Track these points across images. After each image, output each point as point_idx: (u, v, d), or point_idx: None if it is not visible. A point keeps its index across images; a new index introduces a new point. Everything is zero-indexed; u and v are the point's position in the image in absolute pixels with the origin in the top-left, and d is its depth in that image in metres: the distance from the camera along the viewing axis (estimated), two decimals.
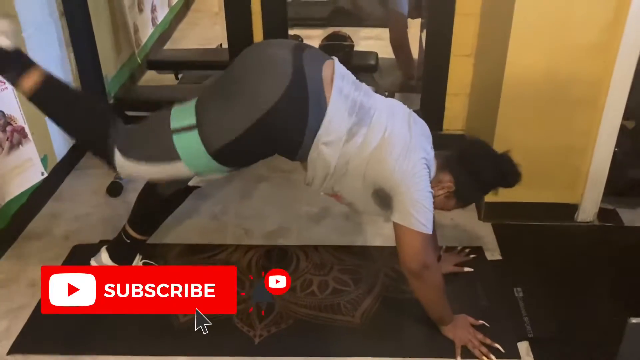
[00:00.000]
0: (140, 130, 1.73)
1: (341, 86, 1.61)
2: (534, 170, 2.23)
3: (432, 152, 1.72)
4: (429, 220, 1.62)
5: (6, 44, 1.60)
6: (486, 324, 1.81)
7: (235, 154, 1.62)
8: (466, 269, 2.06)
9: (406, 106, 1.77)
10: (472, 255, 2.11)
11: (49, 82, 1.67)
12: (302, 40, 3.13)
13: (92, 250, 2.06)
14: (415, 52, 3.33)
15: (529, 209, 2.32)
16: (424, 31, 2.76)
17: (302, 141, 1.60)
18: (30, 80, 1.63)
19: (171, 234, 2.26)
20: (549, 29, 2.00)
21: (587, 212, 2.33)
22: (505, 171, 1.73)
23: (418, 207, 1.60)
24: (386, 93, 3.26)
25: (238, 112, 1.56)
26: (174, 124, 1.61)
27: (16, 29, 1.58)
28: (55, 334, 1.85)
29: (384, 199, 1.66)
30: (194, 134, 1.59)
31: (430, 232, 1.62)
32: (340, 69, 1.66)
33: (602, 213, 2.36)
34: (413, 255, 1.64)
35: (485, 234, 2.29)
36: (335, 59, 1.69)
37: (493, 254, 2.19)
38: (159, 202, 1.90)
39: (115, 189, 2.53)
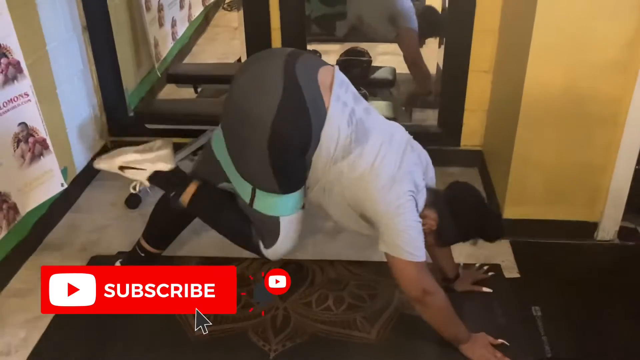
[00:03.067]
0: (254, 224, 1.81)
1: (339, 93, 1.62)
2: (553, 188, 2.24)
3: (422, 184, 1.70)
4: (417, 248, 1.61)
5: (167, 167, 1.82)
6: (506, 343, 1.78)
7: (289, 176, 1.66)
8: (485, 289, 2.03)
9: (406, 132, 1.77)
10: (490, 273, 2.09)
11: (203, 191, 1.83)
12: (320, 56, 3.14)
13: (109, 261, 2.08)
14: (432, 68, 3.33)
15: (548, 226, 2.29)
16: (442, 47, 2.77)
17: (310, 144, 1.60)
18: (189, 194, 1.80)
19: (187, 247, 2.27)
20: (568, 46, 1.99)
21: (607, 230, 2.30)
22: (487, 227, 1.76)
23: (403, 237, 1.60)
24: (403, 108, 3.27)
25: (254, 149, 1.59)
26: (246, 199, 1.72)
27: (172, 152, 1.86)
28: (72, 345, 1.86)
29: (370, 223, 1.67)
30: (259, 193, 1.67)
31: (422, 259, 1.61)
32: (340, 76, 1.66)
33: (622, 231, 2.32)
34: (410, 283, 1.65)
35: (503, 252, 2.26)
36: (336, 67, 1.69)
37: (511, 271, 2.17)
38: (173, 216, 1.91)
39: (133, 201, 2.55)
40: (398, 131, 1.73)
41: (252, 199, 1.70)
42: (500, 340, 1.78)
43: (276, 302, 2.01)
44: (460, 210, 1.72)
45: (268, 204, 1.70)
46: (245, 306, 1.99)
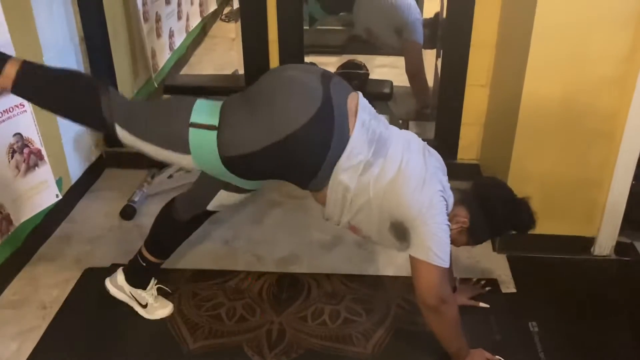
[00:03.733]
0: (151, 108, 1.72)
1: (364, 118, 1.61)
2: (549, 202, 2.23)
3: (447, 185, 1.70)
4: (446, 254, 1.59)
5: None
6: None
7: (246, 165, 1.59)
8: (482, 305, 2.02)
9: (420, 138, 1.77)
10: (487, 288, 2.08)
11: (28, 68, 1.61)
12: None
13: (103, 273, 2.06)
14: (430, 81, 3.34)
15: (545, 241, 2.28)
16: (439, 60, 2.77)
17: (319, 170, 1.58)
18: (11, 70, 1.58)
19: (183, 259, 2.26)
20: (565, 61, 2.00)
21: (604, 245, 2.30)
22: (521, 219, 1.73)
23: (436, 240, 1.58)
24: (400, 121, 3.27)
25: (261, 128, 1.53)
26: (195, 118, 1.57)
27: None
28: (64, 357, 1.84)
29: (400, 232, 1.64)
30: (212, 134, 1.56)
31: (447, 265, 1.60)
32: (363, 102, 1.66)
33: (619, 247, 2.32)
34: (430, 289, 1.61)
35: (499, 266, 2.26)
36: (360, 94, 1.68)
37: (508, 286, 2.16)
38: (176, 226, 1.89)
39: (128, 213, 2.54)
40: (413, 138, 1.74)
41: (198, 126, 1.55)
42: (497, 358, 1.77)
43: (272, 317, 1.99)
44: (491, 205, 1.70)
45: (201, 144, 1.56)
46: (240, 319, 1.98)
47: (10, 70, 1.58)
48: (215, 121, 1.57)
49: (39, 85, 1.64)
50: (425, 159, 1.66)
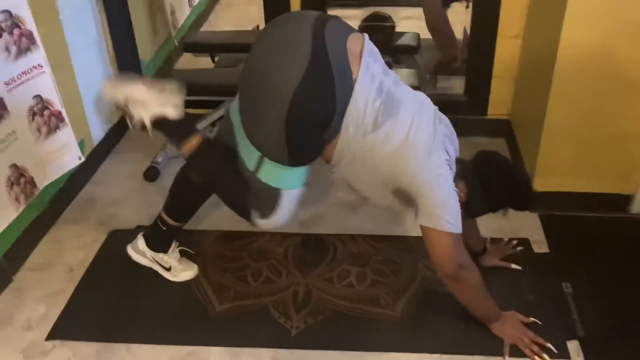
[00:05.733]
0: (251, 192, 1.72)
1: (368, 62, 1.52)
2: (584, 158, 2.14)
3: (454, 155, 1.64)
4: (458, 220, 1.54)
5: (176, 114, 1.71)
6: (538, 321, 1.72)
7: (301, 149, 1.57)
8: (513, 266, 1.96)
9: (432, 102, 1.68)
10: (519, 248, 2.02)
11: (205, 147, 1.73)
12: None
13: (128, 235, 2.05)
14: (459, 33, 3.20)
15: (579, 199, 2.20)
16: (469, 9, 2.64)
17: (332, 118, 1.51)
18: (191, 145, 1.71)
19: (206, 221, 2.23)
20: (607, 6, 1.87)
21: None
22: (518, 197, 1.70)
23: (446, 207, 1.53)
24: (428, 76, 3.16)
25: (269, 117, 1.50)
26: (251, 167, 1.61)
27: (183, 101, 1.76)
28: (92, 320, 1.85)
29: (404, 198, 1.60)
30: (266, 162, 1.58)
31: (460, 231, 1.55)
32: (369, 45, 1.57)
33: None
34: (447, 257, 1.57)
35: (532, 225, 2.18)
36: (366, 36, 1.59)
37: (540, 246, 2.09)
38: (193, 189, 1.86)
39: (151, 174, 2.52)
40: (425, 102, 1.66)
41: (257, 167, 1.61)
42: (531, 319, 1.73)
43: (297, 278, 1.96)
44: (490, 181, 1.65)
45: (273, 174, 1.61)
46: (266, 281, 1.96)
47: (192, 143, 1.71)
48: (256, 152, 1.58)
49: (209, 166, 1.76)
50: (435, 126, 1.59)
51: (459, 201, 1.61)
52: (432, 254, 1.60)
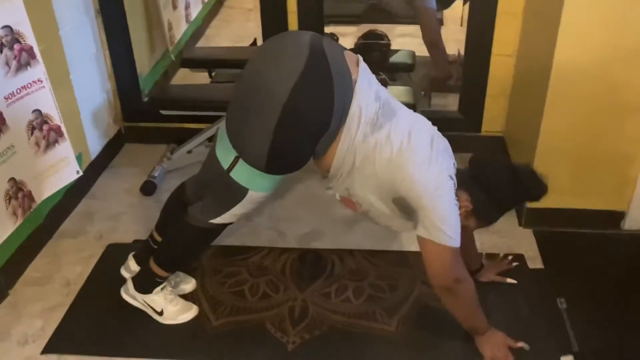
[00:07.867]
0: (214, 186, 1.73)
1: (365, 69, 1.54)
2: (578, 176, 2.17)
3: (453, 170, 1.61)
4: (457, 233, 1.53)
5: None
6: (525, 347, 1.70)
7: (283, 157, 1.54)
8: (509, 280, 1.98)
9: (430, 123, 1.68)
10: (514, 264, 2.04)
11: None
12: (337, 39, 3.07)
13: (126, 249, 2.05)
14: (453, 50, 3.24)
15: (573, 215, 2.23)
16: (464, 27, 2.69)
17: (330, 120, 1.48)
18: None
19: None
20: (601, 28, 1.91)
21: (635, 219, 2.23)
22: (526, 184, 1.63)
23: (445, 220, 1.52)
24: (423, 93, 3.19)
25: (261, 117, 1.47)
26: (224, 164, 1.59)
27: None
28: (88, 334, 1.85)
29: (405, 208, 1.58)
30: (241, 163, 1.56)
31: (459, 245, 1.54)
32: (363, 64, 1.58)
33: None
34: (444, 270, 1.56)
35: (526, 242, 2.21)
36: (360, 57, 1.60)
37: (535, 262, 2.11)
38: (185, 208, 1.85)
39: (148, 188, 2.52)
40: (420, 117, 1.67)
41: (231, 166, 1.58)
42: (520, 344, 1.70)
43: (295, 293, 1.97)
44: (490, 183, 1.62)
45: (246, 175, 1.58)
46: (263, 296, 1.97)
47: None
48: (233, 152, 1.56)
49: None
50: (433, 139, 1.58)
51: (466, 211, 1.61)
52: (428, 266, 1.58)
